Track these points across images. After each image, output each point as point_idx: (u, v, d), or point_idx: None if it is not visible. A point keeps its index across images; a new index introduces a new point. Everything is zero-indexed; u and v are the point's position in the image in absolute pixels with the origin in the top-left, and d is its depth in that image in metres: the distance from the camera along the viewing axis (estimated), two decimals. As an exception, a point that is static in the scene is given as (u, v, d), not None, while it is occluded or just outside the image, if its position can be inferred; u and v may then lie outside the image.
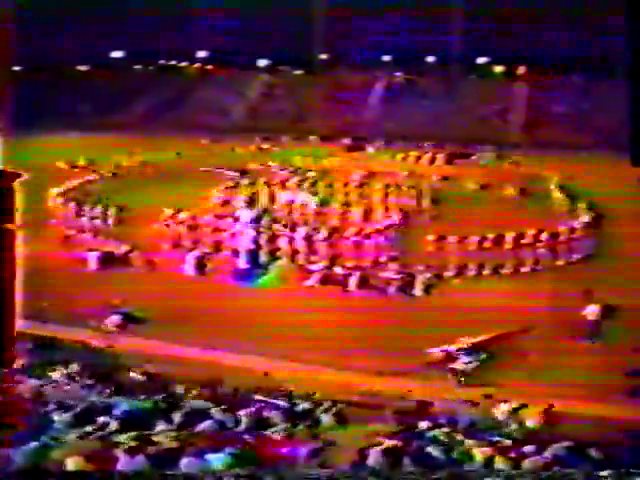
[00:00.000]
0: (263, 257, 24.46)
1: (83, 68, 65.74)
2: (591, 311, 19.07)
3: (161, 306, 19.57)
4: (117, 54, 65.39)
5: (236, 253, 24.55)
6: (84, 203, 29.47)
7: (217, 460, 9.35)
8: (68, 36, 58.08)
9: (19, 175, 13.08)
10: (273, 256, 24.47)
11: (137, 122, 56.11)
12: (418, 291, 22.06)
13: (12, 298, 13.09)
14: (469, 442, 11.85)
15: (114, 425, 10.82)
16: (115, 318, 19.10)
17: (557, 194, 33.78)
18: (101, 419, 11.09)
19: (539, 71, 57.16)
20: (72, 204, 29.43)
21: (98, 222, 28.16)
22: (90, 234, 26.61)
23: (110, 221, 28.32)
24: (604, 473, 11.15)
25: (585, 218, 28.38)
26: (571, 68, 54.84)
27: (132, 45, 62.22)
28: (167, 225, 27.02)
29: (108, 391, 13.52)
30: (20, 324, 13.84)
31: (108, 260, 23.96)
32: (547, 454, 11.35)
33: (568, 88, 54.64)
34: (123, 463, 9.16)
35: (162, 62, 66.93)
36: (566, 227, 26.32)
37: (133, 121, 56.51)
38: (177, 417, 11.59)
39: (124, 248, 24.70)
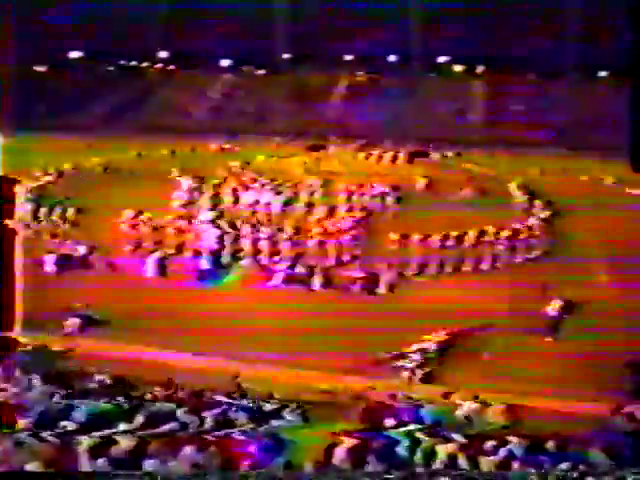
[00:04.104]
0: (226, 257, 24.35)
1: (40, 68, 64.60)
2: (552, 307, 19.38)
3: (122, 308, 19.37)
4: (75, 54, 64.42)
5: (198, 254, 24.40)
6: (42, 204, 28.96)
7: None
8: (24, 36, 57.04)
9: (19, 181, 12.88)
10: (236, 256, 24.37)
11: (97, 123, 55.42)
12: (382, 290, 22.17)
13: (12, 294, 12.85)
14: (432, 440, 11.99)
15: (75, 428, 10.72)
16: (75, 321, 18.86)
17: (515, 192, 34.16)
18: (63, 423, 10.98)
19: (498, 70, 57.90)
20: (29, 205, 28.91)
21: (57, 224, 27.69)
22: (48, 236, 26.18)
23: (69, 223, 27.87)
24: (563, 466, 11.39)
25: (543, 215, 28.77)
26: (528, 67, 55.65)
27: (91, 45, 61.35)
28: (128, 226, 26.71)
29: (69, 394, 13.36)
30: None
31: (67, 262, 23.61)
32: (506, 450, 11.54)
33: (526, 87, 55.42)
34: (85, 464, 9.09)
35: (123, 62, 66.13)
36: (524, 225, 26.69)
37: (93, 122, 55.79)
38: (140, 419, 11.52)
39: (83, 250, 24.35)
